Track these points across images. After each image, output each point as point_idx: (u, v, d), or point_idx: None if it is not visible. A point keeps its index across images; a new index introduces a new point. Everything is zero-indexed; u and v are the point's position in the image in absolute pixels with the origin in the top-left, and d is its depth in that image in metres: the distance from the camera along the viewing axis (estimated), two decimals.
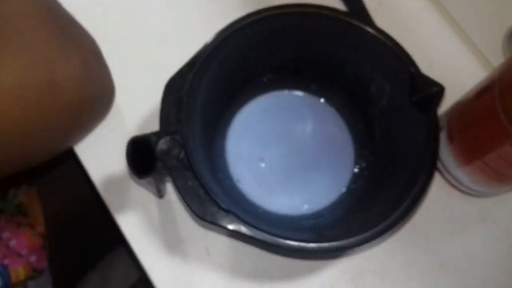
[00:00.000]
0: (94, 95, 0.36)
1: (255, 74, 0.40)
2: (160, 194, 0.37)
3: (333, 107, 0.41)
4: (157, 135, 0.32)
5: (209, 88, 0.36)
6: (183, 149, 0.32)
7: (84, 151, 0.40)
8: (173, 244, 0.38)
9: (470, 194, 0.40)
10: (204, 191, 0.32)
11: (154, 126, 0.33)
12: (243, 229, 0.31)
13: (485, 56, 0.44)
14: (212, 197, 0.31)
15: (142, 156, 0.33)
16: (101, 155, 0.40)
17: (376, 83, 0.37)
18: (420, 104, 0.35)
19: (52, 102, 0.32)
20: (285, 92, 0.41)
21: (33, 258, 0.53)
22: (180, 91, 0.34)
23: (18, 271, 0.52)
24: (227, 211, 0.32)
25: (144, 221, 0.39)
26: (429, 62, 0.43)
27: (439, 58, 0.45)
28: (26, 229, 0.53)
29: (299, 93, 0.41)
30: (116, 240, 0.62)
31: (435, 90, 0.35)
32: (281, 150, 0.40)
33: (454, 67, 0.44)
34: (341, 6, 0.45)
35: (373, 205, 0.35)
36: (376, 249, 0.38)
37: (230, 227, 0.31)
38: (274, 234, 0.31)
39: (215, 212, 0.32)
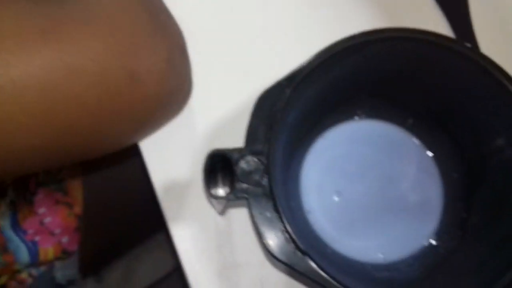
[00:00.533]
0: (172, 91, 0.32)
1: (352, 98, 0.35)
2: (223, 211, 0.33)
3: (429, 149, 0.36)
4: (241, 152, 0.28)
5: (303, 108, 0.31)
6: (267, 174, 0.28)
7: (147, 146, 0.36)
8: (226, 266, 0.34)
9: None
10: (283, 226, 0.27)
11: (225, 138, 0.29)
12: (319, 276, 0.27)
13: None
14: (291, 236, 0.27)
15: (217, 171, 0.29)
16: (164, 154, 0.36)
17: (490, 135, 0.32)
18: None
19: (129, 94, 0.29)
20: (377, 123, 0.36)
21: (65, 239, 0.50)
22: (274, 107, 0.29)
23: (48, 250, 0.49)
24: (304, 253, 0.27)
25: (199, 234, 0.35)
26: None
27: None
28: (63, 208, 0.50)
29: (398, 129, 0.36)
30: (147, 236, 0.59)
31: None
32: (361, 186, 0.35)
33: None
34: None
35: (462, 270, 0.31)
36: None
37: (306, 272, 0.27)
38: None
39: (290, 252, 0.28)
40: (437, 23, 0.40)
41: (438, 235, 0.34)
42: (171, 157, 0.36)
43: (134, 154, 0.36)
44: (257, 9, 0.40)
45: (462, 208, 0.34)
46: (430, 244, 0.34)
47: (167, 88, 0.31)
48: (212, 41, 0.38)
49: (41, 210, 0.48)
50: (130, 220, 0.55)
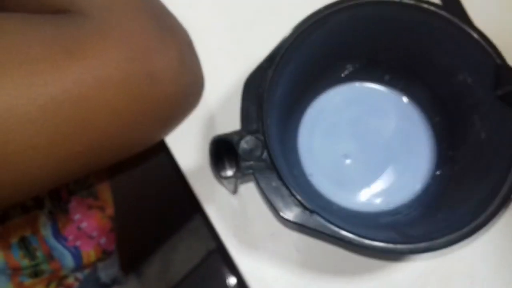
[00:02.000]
0: (188, 86, 0.34)
1: (332, 65, 0.36)
2: (235, 190, 0.35)
3: (413, 101, 0.37)
4: (240, 134, 0.30)
5: (287, 83, 0.33)
6: (266, 148, 0.30)
7: (170, 138, 0.38)
8: (262, 238, 0.36)
9: None
10: (289, 192, 0.29)
11: (232, 118, 0.30)
12: (329, 229, 0.29)
13: None
14: (297, 198, 0.29)
15: (222, 154, 0.31)
16: (186, 142, 0.38)
17: (459, 77, 0.33)
18: (506, 98, 0.31)
19: (151, 94, 0.31)
20: (362, 84, 0.38)
21: (102, 240, 0.52)
22: (260, 88, 0.31)
23: (89, 253, 0.51)
24: (312, 212, 0.29)
25: (233, 212, 0.37)
26: None
27: None
28: (96, 212, 0.52)
29: (377, 86, 0.37)
30: (178, 226, 0.61)
31: None
32: (356, 143, 0.37)
33: None
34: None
35: (455, 204, 0.33)
36: (465, 250, 0.35)
37: (316, 227, 0.29)
38: (361, 235, 0.29)
39: (300, 213, 0.29)
40: None
41: (431, 174, 0.36)
42: (192, 144, 0.37)
43: (154, 149, 0.38)
44: None
45: (448, 147, 0.36)
46: (426, 187, 0.36)
47: (183, 84, 0.33)
48: (205, 33, 0.39)
49: (77, 216, 0.51)
50: (160, 213, 0.58)
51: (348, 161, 0.37)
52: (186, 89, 0.34)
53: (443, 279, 0.36)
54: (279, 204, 0.29)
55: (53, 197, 0.50)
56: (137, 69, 0.29)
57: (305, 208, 0.29)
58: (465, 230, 0.29)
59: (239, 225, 0.36)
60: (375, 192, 0.36)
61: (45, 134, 0.26)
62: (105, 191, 0.52)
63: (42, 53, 0.26)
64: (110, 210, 0.52)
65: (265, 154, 0.30)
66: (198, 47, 0.36)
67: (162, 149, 0.38)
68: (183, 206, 0.59)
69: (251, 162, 0.30)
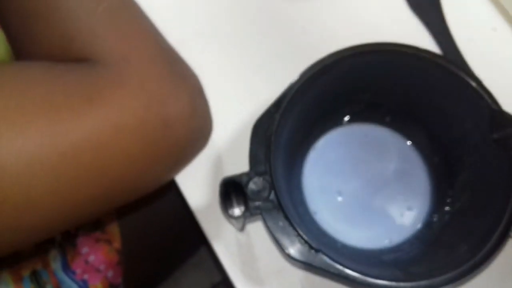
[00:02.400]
0: (199, 130, 0.36)
1: (336, 108, 0.38)
2: (242, 228, 0.36)
3: (412, 142, 0.39)
4: (248, 176, 0.31)
5: (293, 126, 0.35)
6: (273, 189, 0.31)
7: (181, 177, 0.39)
8: (268, 275, 0.37)
9: None
10: (295, 231, 0.30)
11: (239, 158, 0.32)
12: (333, 268, 0.30)
13: None
14: (303, 238, 0.30)
15: (231, 194, 0.32)
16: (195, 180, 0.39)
17: (457, 120, 0.35)
18: (502, 141, 0.33)
19: (165, 139, 0.32)
20: (363, 126, 0.39)
21: (110, 273, 0.53)
22: (267, 131, 0.32)
23: (97, 286, 0.52)
24: (318, 251, 0.30)
25: (239, 249, 0.38)
26: None
27: None
28: (103, 245, 0.53)
29: (377, 127, 0.39)
30: (184, 258, 0.62)
31: None
32: (357, 183, 0.39)
33: None
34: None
35: (455, 241, 0.34)
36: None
37: (321, 266, 0.30)
38: (364, 274, 0.30)
39: (305, 252, 0.30)
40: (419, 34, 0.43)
41: (431, 213, 0.37)
42: (201, 182, 0.39)
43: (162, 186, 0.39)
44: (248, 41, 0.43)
45: (447, 187, 0.37)
46: (426, 222, 0.37)
47: (193, 128, 0.34)
48: (214, 78, 0.41)
49: (84, 250, 0.51)
50: (165, 247, 0.58)
51: (351, 200, 0.38)
52: (196, 133, 0.35)
53: None
54: (285, 242, 0.30)
55: (63, 231, 0.51)
56: (152, 115, 0.30)
57: (310, 247, 0.30)
58: (464, 267, 0.30)
59: (245, 261, 0.37)
60: (378, 230, 0.37)
61: (64, 180, 0.28)
62: (112, 224, 0.53)
63: (65, 101, 0.28)
64: (117, 244, 0.53)
65: (272, 195, 0.31)
66: (208, 90, 0.38)
67: (170, 186, 0.40)
68: (188, 240, 0.60)
69: (259, 203, 0.31)
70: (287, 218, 0.31)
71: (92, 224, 0.53)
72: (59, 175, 0.27)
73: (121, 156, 0.30)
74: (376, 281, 0.30)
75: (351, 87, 0.37)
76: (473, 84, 0.33)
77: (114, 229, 0.54)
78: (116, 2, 0.33)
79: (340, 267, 0.30)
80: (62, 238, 0.51)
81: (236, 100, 0.41)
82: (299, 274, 0.37)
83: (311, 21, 0.44)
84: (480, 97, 0.33)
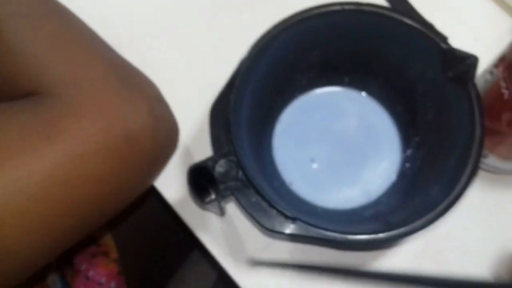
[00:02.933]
0: (165, 137, 0.36)
1: (291, 78, 0.38)
2: (222, 212, 0.36)
3: (373, 97, 0.39)
4: (213, 159, 0.31)
5: (251, 102, 0.35)
6: (240, 168, 0.31)
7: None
8: (257, 252, 0.38)
9: None
10: (269, 204, 0.31)
11: (205, 146, 0.32)
12: (313, 232, 0.30)
13: None
14: (277, 209, 0.30)
15: (202, 181, 0.32)
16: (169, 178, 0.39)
17: (411, 66, 0.35)
18: (457, 78, 0.33)
19: (131, 155, 0.32)
20: (322, 90, 0.39)
21: (112, 285, 0.53)
22: (225, 113, 0.32)
23: None
24: (294, 219, 0.30)
25: (225, 234, 0.38)
26: (474, 36, 0.40)
27: (484, 31, 0.42)
28: (101, 258, 0.53)
29: (337, 88, 0.39)
30: (183, 255, 0.62)
31: (469, 62, 0.32)
32: (328, 147, 0.39)
33: (500, 38, 0.40)
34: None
35: (429, 185, 0.34)
36: (451, 225, 0.37)
37: (301, 233, 0.30)
38: (344, 232, 0.30)
39: (282, 222, 0.31)
40: None
41: (403, 161, 0.37)
42: (174, 177, 0.39)
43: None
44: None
45: (414, 133, 0.37)
46: (400, 174, 0.37)
47: (159, 137, 0.34)
48: (168, 72, 0.41)
49: (83, 267, 0.51)
50: (162, 247, 0.58)
51: (324, 164, 0.38)
52: (163, 140, 0.35)
53: (437, 255, 0.37)
54: (262, 217, 0.31)
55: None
56: (114, 136, 0.30)
57: (286, 216, 0.30)
58: (439, 209, 0.30)
59: (233, 245, 0.38)
60: (355, 188, 0.38)
61: (39, 220, 0.28)
62: (105, 236, 0.53)
63: (22, 144, 0.27)
64: (114, 254, 0.53)
65: (240, 173, 0.31)
66: (164, 87, 0.38)
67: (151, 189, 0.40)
68: (184, 236, 0.60)
69: (229, 183, 0.31)
70: (258, 193, 0.31)
71: (85, 240, 0.53)
72: (32, 217, 0.27)
73: (90, 183, 0.29)
74: (355, 237, 0.30)
75: (302, 54, 0.37)
76: (419, 27, 0.34)
77: (108, 241, 0.54)
78: (56, 25, 0.32)
79: (319, 230, 0.30)
80: (60, 259, 0.51)
81: (193, 90, 0.41)
82: (287, 245, 0.37)
83: None
84: (429, 39, 0.33)
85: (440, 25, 0.35)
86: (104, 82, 0.31)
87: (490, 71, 0.34)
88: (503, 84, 0.31)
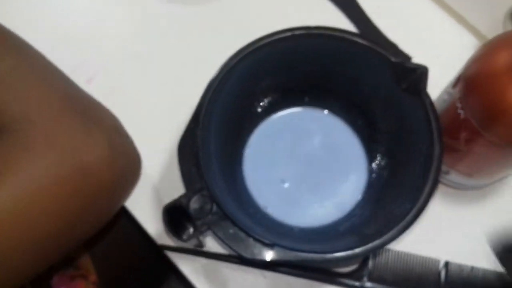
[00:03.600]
0: (124, 168, 0.36)
1: (252, 104, 0.40)
2: (201, 245, 0.37)
3: (334, 114, 0.41)
4: (187, 196, 0.32)
5: (217, 133, 0.36)
6: (214, 202, 0.32)
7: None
8: (231, 274, 0.38)
9: None
10: (246, 234, 0.31)
11: (177, 174, 0.33)
12: (291, 256, 0.31)
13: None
14: (255, 238, 0.31)
15: (177, 218, 0.32)
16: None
17: (365, 82, 0.37)
18: (410, 89, 0.35)
19: (87, 187, 0.32)
20: (284, 112, 0.40)
21: None
22: (193, 148, 0.33)
23: None
24: (272, 245, 0.31)
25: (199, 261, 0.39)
26: (437, 54, 0.42)
27: (446, 48, 0.44)
28: (79, 281, 0.52)
29: (298, 109, 0.40)
30: (162, 280, 0.62)
31: (419, 72, 0.34)
32: (297, 166, 0.40)
33: (462, 56, 0.40)
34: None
35: (397, 194, 0.35)
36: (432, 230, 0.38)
37: (280, 258, 0.31)
38: (321, 252, 0.31)
39: (261, 249, 0.31)
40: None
41: (370, 174, 0.39)
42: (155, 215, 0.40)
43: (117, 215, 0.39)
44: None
45: (376, 145, 0.39)
46: (368, 184, 0.39)
47: (117, 167, 0.34)
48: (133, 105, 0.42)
49: None
50: (141, 268, 0.59)
51: (295, 184, 0.39)
52: (122, 171, 0.35)
53: None
54: (240, 248, 0.31)
55: (33, 280, 0.50)
56: (67, 169, 0.30)
57: (264, 244, 0.31)
58: (408, 218, 0.31)
59: (208, 269, 0.38)
60: (327, 204, 0.39)
61: None
62: (84, 259, 0.53)
63: None
64: (93, 277, 0.53)
65: (215, 207, 0.32)
66: (129, 126, 0.38)
67: (125, 216, 0.40)
68: (158, 266, 0.61)
69: (205, 218, 0.32)
70: (235, 224, 0.31)
71: (64, 263, 0.52)
72: None
73: (44, 216, 0.30)
74: (333, 255, 0.31)
75: (260, 80, 0.38)
76: (368, 44, 0.35)
77: (87, 264, 0.53)
78: (13, 63, 0.33)
79: (297, 253, 0.31)
80: (34, 286, 0.50)
81: (160, 127, 0.42)
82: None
83: (219, 22, 0.46)
84: (378, 54, 0.35)
85: (405, 44, 0.37)
86: (59, 116, 0.32)
87: (447, 91, 0.35)
88: (459, 104, 0.33)
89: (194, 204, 0.32)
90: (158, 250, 0.40)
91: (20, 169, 0.29)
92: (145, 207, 0.40)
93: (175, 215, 0.32)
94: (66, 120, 0.32)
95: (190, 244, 0.37)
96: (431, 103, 0.34)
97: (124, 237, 0.55)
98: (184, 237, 0.32)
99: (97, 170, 0.32)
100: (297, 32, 0.35)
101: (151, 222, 0.40)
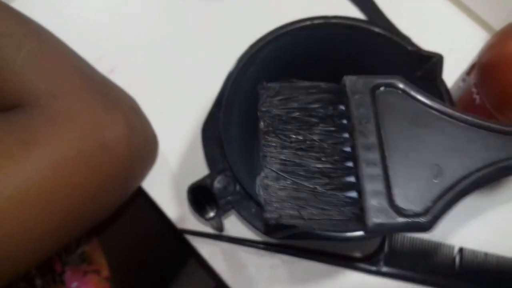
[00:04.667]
0: (140, 146, 0.37)
1: None
2: (221, 228, 0.38)
3: None
4: (211, 176, 0.33)
5: (238, 117, 0.37)
6: (237, 182, 0.33)
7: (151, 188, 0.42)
8: (250, 258, 0.39)
9: None
10: None
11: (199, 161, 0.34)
12: (313, 234, 0.32)
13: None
14: None
15: (201, 198, 0.33)
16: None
17: (384, 71, 0.37)
18: (426, 76, 0.36)
19: (106, 162, 0.33)
20: None
21: None
22: (216, 131, 0.34)
23: None
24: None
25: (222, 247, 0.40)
26: (450, 47, 0.43)
27: (457, 42, 0.46)
28: (92, 276, 0.53)
29: None
30: (176, 270, 0.63)
31: (435, 60, 0.35)
32: None
33: (473, 49, 0.41)
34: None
35: None
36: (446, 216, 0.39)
37: (302, 234, 0.32)
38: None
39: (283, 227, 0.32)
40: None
41: None
42: (174, 196, 0.41)
43: (134, 201, 0.41)
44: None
45: None
46: None
47: (134, 146, 0.36)
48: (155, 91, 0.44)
49: (74, 284, 0.51)
50: (155, 263, 0.59)
51: None
52: (139, 150, 0.37)
53: None
54: (262, 225, 0.32)
55: (44, 273, 0.51)
56: (88, 143, 0.32)
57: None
58: None
59: (227, 252, 0.39)
60: None
61: (16, 221, 0.29)
62: (97, 254, 0.54)
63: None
64: (105, 272, 0.53)
65: (238, 187, 0.33)
66: (148, 113, 0.39)
67: (143, 201, 0.42)
68: (175, 253, 0.61)
69: (228, 198, 0.33)
70: (257, 203, 0.32)
71: (77, 258, 0.53)
72: (9, 218, 0.29)
73: (66, 188, 0.31)
74: (352, 234, 0.32)
75: (280, 67, 0.39)
76: (386, 33, 0.36)
77: (100, 258, 0.54)
78: (36, 44, 0.34)
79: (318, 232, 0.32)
80: (45, 281, 0.51)
81: (177, 111, 0.43)
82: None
83: (238, 13, 0.47)
84: (395, 43, 0.36)
85: (417, 38, 0.38)
86: (80, 94, 0.33)
87: (462, 79, 0.36)
88: (474, 90, 0.34)
89: (217, 184, 0.33)
90: (175, 236, 0.41)
91: (45, 140, 0.30)
92: (164, 192, 0.41)
93: (199, 196, 0.33)
94: (87, 97, 0.33)
95: (211, 227, 0.38)
96: (446, 89, 0.35)
97: (138, 233, 0.56)
98: (208, 216, 0.33)
99: (116, 146, 0.33)
100: (316, 21, 0.37)
101: (170, 207, 0.41)
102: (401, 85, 0.28)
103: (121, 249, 0.55)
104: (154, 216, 0.46)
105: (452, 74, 0.39)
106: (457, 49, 0.44)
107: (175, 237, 0.41)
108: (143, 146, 0.38)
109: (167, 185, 0.41)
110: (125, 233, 0.55)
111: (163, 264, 0.61)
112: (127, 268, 0.56)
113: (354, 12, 0.47)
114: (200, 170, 0.35)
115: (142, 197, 0.42)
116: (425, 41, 0.41)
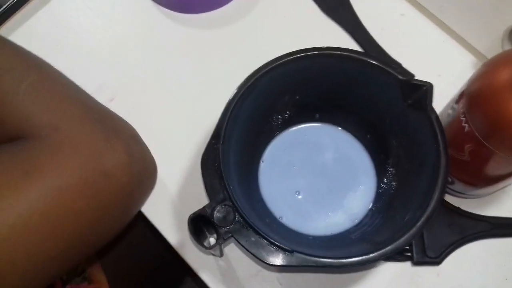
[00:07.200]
0: (140, 173, 0.38)
1: (268, 121, 0.42)
2: (221, 254, 0.39)
3: (345, 129, 0.43)
4: (211, 206, 0.34)
5: (236, 147, 0.38)
6: (237, 212, 0.34)
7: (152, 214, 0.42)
8: (248, 280, 0.40)
9: None
10: (267, 241, 0.33)
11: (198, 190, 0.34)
12: (310, 261, 0.33)
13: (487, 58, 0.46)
14: (276, 245, 0.33)
15: (201, 226, 0.34)
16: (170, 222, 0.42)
17: (377, 100, 0.39)
18: (416, 105, 0.37)
19: (107, 188, 0.34)
20: (297, 127, 0.43)
21: None
22: (215, 162, 0.35)
23: None
24: (292, 252, 0.33)
25: (219, 267, 0.41)
26: (438, 72, 0.44)
27: (447, 67, 0.47)
28: None
29: (311, 124, 0.43)
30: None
31: (425, 89, 0.36)
32: (310, 178, 0.42)
33: (462, 74, 0.44)
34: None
35: (406, 203, 0.37)
36: None
37: (299, 263, 0.33)
38: (337, 257, 0.33)
39: (282, 256, 0.33)
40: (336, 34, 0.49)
41: (379, 185, 0.41)
42: (174, 221, 0.42)
43: (135, 223, 0.42)
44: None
45: (385, 158, 0.41)
46: (377, 195, 0.41)
47: (134, 173, 0.37)
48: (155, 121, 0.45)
49: None
50: (153, 281, 0.60)
51: (309, 195, 0.41)
52: (139, 176, 0.38)
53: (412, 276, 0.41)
54: (262, 254, 0.33)
55: None
56: (90, 171, 0.33)
57: (285, 250, 0.33)
58: (418, 224, 0.33)
59: (226, 274, 0.40)
60: (339, 214, 0.41)
61: (19, 248, 0.30)
62: (97, 272, 0.55)
63: (3, 180, 0.30)
64: None
65: (237, 217, 0.34)
66: (148, 142, 0.40)
67: (143, 225, 0.42)
68: (172, 272, 0.62)
69: (228, 227, 0.34)
70: (257, 232, 0.33)
71: (78, 277, 0.54)
72: (12, 245, 0.30)
73: (68, 214, 0.32)
74: (348, 260, 0.33)
75: (276, 97, 0.40)
76: (377, 63, 0.37)
77: (100, 277, 0.55)
78: (36, 77, 0.35)
79: (316, 259, 0.33)
80: None
81: (181, 141, 0.44)
82: (275, 273, 0.40)
83: (235, 44, 0.48)
84: (387, 73, 0.37)
85: (407, 63, 0.39)
86: (81, 124, 0.35)
87: (451, 107, 0.38)
88: (463, 118, 0.35)
89: (218, 214, 0.34)
90: (173, 256, 0.42)
91: (47, 169, 0.32)
92: (165, 218, 0.43)
93: (199, 224, 0.34)
94: (87, 126, 0.35)
95: (212, 252, 0.39)
96: (437, 117, 0.36)
97: (138, 252, 0.57)
98: (208, 244, 0.34)
99: (116, 173, 0.35)
100: (310, 53, 0.38)
101: (170, 232, 0.42)
102: None
103: (121, 268, 0.56)
104: (153, 237, 0.46)
105: (441, 99, 0.40)
106: (446, 74, 0.46)
107: (173, 257, 0.42)
108: (142, 173, 0.39)
109: (167, 211, 0.42)
110: (124, 253, 0.56)
111: (162, 283, 0.62)
112: (127, 286, 0.56)
113: (348, 40, 0.48)
114: (199, 197, 0.36)
115: (142, 221, 0.43)
116: (414, 66, 0.43)
